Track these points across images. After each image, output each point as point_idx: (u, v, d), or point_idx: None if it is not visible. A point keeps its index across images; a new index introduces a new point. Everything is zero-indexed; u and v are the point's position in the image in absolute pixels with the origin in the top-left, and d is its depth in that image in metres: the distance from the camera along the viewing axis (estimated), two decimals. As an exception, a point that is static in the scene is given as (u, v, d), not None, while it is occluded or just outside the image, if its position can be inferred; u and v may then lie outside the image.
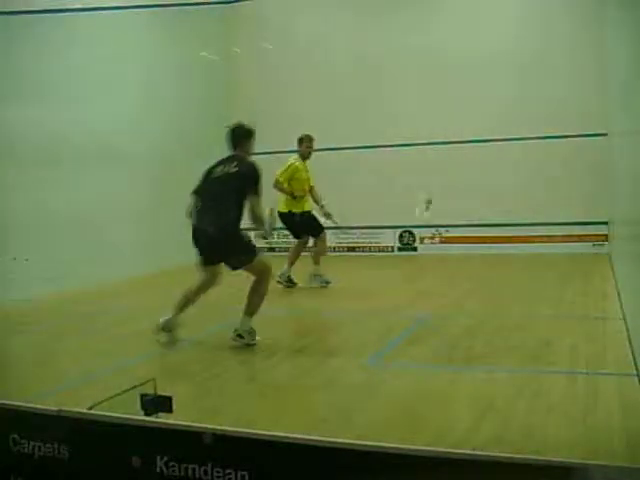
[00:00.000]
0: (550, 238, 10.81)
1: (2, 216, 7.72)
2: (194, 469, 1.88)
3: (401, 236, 11.85)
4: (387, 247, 11.92)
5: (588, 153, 10.46)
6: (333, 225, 8.53)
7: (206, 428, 1.88)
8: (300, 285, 8.11)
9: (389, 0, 11.69)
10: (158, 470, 1.92)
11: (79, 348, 5.55)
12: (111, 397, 2.45)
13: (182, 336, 5.42)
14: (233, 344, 5.23)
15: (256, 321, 6.52)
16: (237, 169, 5.34)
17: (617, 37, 6.60)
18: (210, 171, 5.57)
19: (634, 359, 4.24)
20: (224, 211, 5.22)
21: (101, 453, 2.02)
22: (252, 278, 5.43)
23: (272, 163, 12.36)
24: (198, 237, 5.29)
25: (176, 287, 8.94)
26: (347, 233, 12.11)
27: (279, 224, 7.52)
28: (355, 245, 12.11)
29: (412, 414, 3.61)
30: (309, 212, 8.33)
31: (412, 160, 11.47)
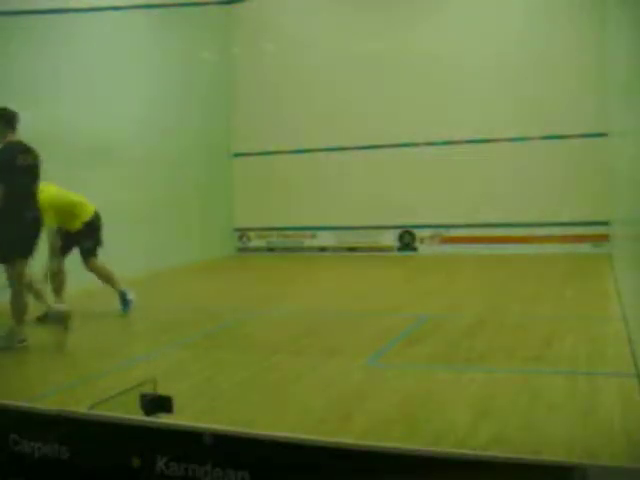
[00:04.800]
0: (550, 238, 10.81)
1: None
2: (194, 469, 1.88)
3: (401, 236, 11.85)
4: (387, 247, 11.93)
5: (588, 153, 10.47)
6: None
7: (206, 428, 1.88)
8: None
9: (387, 1, 11.69)
10: (158, 470, 1.92)
11: (78, 348, 5.55)
12: (111, 397, 2.45)
13: (180, 337, 5.43)
14: (231, 343, 5.23)
15: (256, 321, 6.55)
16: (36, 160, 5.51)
17: (617, 37, 6.60)
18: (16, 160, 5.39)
19: (634, 359, 4.24)
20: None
21: (101, 453, 2.02)
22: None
23: (274, 162, 12.47)
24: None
25: (175, 287, 9.00)
26: (347, 233, 12.15)
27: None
28: (355, 245, 12.11)
29: (412, 414, 3.61)
30: None
31: (412, 160, 11.48)
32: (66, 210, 6.52)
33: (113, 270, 6.78)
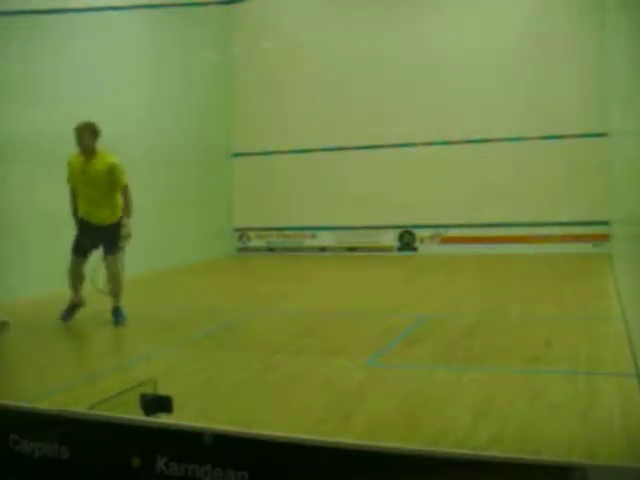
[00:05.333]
0: (550, 238, 10.82)
1: (3, 215, 7.73)
2: (194, 469, 1.88)
3: (401, 236, 11.85)
4: (387, 247, 11.93)
5: (588, 153, 10.48)
6: None
7: (206, 428, 1.88)
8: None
9: (389, 0, 11.70)
10: (158, 470, 1.92)
11: (79, 348, 5.55)
12: (111, 397, 2.45)
13: (180, 337, 5.44)
14: (231, 343, 5.23)
15: (256, 321, 6.55)
16: None
17: (617, 37, 6.60)
18: None
19: (634, 359, 4.24)
20: None
21: (101, 453, 2.02)
22: None
23: (273, 162, 12.47)
24: None
25: (175, 287, 9.00)
26: (347, 233, 12.15)
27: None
28: (355, 245, 12.11)
29: (412, 414, 3.61)
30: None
31: (412, 160, 11.48)
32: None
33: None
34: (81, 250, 6.26)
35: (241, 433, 1.87)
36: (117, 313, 6.22)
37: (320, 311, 6.91)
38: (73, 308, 6.34)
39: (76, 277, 6.28)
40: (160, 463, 1.92)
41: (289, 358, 4.92)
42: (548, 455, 2.85)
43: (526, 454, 1.67)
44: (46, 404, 3.58)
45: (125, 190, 6.21)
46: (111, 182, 6.13)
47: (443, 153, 11.32)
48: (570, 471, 1.54)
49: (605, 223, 10.27)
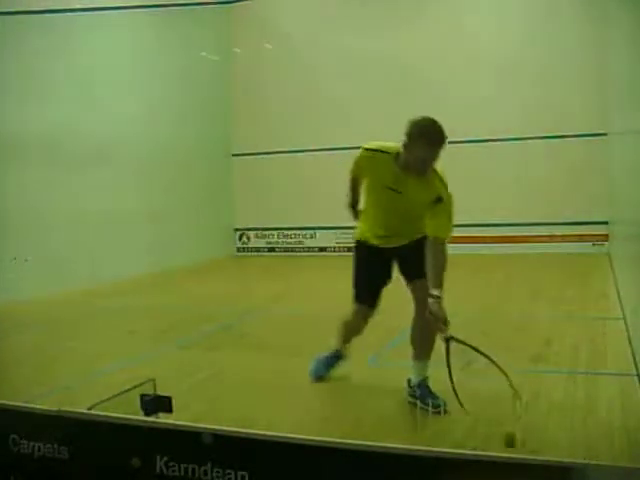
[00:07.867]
0: (550, 238, 10.82)
1: (2, 216, 7.73)
2: (194, 469, 1.88)
3: (401, 236, 11.85)
4: (387, 247, 11.92)
5: (588, 153, 10.47)
6: None
7: (206, 428, 1.88)
8: None
9: (388, 1, 11.69)
10: (158, 470, 1.92)
11: (79, 348, 5.55)
12: (111, 397, 2.45)
13: (180, 337, 5.44)
14: (231, 343, 5.24)
15: (256, 321, 6.55)
16: None
17: (618, 37, 6.60)
18: None
19: (634, 359, 4.24)
20: None
21: (101, 453, 2.02)
22: None
23: (273, 162, 12.47)
24: None
25: (175, 287, 9.00)
26: (347, 233, 12.14)
27: None
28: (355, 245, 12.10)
29: (412, 414, 3.61)
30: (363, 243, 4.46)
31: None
32: None
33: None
34: (375, 295, 4.36)
35: (241, 433, 1.87)
36: (425, 391, 3.84)
37: (320, 311, 6.91)
38: (336, 359, 4.50)
39: (355, 330, 4.43)
40: (160, 463, 1.92)
41: (289, 358, 4.92)
42: (548, 455, 2.85)
43: (526, 454, 1.68)
44: (46, 404, 3.58)
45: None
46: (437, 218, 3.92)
47: (443, 153, 11.28)
48: (570, 471, 1.54)
49: (605, 223, 10.27)
